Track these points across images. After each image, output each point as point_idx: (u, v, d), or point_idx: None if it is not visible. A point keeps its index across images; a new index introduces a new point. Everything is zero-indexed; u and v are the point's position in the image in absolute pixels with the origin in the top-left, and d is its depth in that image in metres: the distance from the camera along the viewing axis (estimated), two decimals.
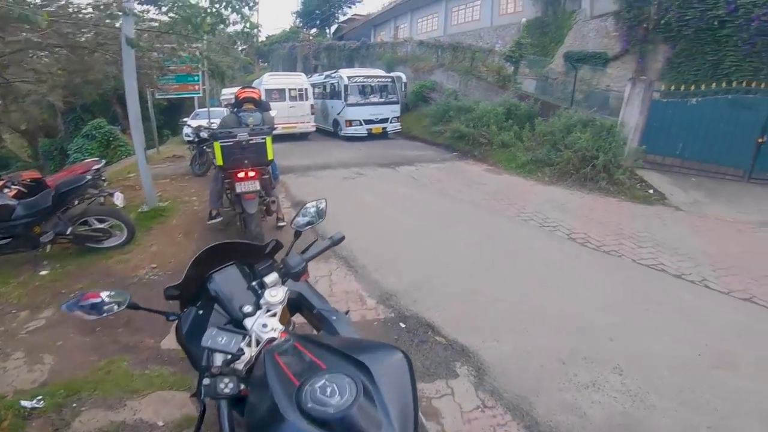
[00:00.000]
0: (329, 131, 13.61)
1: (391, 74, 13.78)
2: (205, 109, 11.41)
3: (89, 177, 4.17)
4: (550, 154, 8.07)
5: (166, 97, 10.50)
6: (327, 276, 3.88)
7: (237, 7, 4.73)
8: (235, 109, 4.73)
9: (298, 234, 1.55)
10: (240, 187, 4.08)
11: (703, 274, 4.07)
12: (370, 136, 12.53)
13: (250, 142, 4.03)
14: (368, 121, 12.42)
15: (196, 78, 9.91)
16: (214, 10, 4.61)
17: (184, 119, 12.07)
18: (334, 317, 1.43)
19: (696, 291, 3.78)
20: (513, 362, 2.73)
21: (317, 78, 14.88)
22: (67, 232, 3.98)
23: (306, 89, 12.53)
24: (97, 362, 2.71)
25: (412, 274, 3.90)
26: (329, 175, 7.90)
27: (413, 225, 5.24)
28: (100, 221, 4.29)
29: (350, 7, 35.50)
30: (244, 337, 1.08)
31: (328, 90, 13.69)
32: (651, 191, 6.94)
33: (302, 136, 12.66)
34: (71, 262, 4.14)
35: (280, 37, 36.03)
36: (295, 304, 1.51)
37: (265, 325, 1.15)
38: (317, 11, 34.50)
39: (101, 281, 3.74)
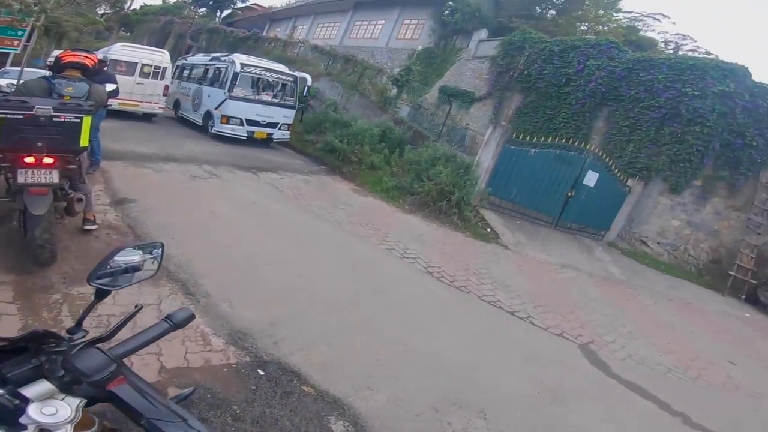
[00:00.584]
0: (195, 124, 11.17)
1: (296, 73, 11.53)
2: (18, 69, 9.28)
3: None
4: (414, 183, 8.37)
5: None
6: (155, 305, 2.96)
7: None
8: (51, 74, 3.63)
9: (101, 295, 0.95)
10: (24, 177, 2.91)
11: (528, 311, 4.72)
12: (249, 141, 10.24)
13: (55, 119, 2.92)
14: (252, 122, 10.16)
15: (19, 33, 8.06)
16: None
17: None
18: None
19: (525, 327, 4.37)
20: (389, 413, 2.60)
21: (199, 58, 12.84)
22: None
23: (164, 68, 11.22)
24: None
25: (271, 308, 3.34)
26: (174, 170, 6.60)
27: (272, 244, 4.65)
28: None
29: None
30: None
31: (209, 75, 11.30)
32: (489, 230, 7.77)
33: (145, 117, 11.09)
34: None
35: (157, 8, 31.60)
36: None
37: None
38: None
39: None
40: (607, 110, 10.78)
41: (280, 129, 10.73)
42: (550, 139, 9.07)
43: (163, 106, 11.47)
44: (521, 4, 18.67)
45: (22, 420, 0.71)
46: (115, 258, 1.01)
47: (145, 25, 30.71)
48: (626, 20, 20.46)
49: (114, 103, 9.32)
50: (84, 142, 3.14)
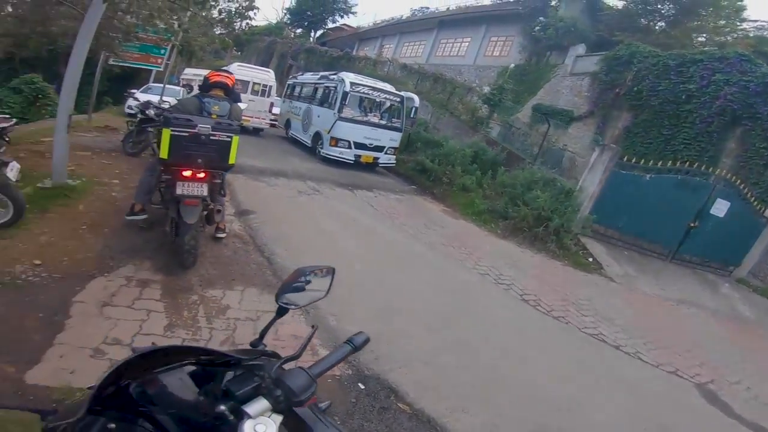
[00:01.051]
0: (304, 144, 11.01)
1: (402, 93, 10.73)
2: (160, 85, 10.77)
3: None
4: (508, 207, 8.00)
5: (121, 64, 9.43)
6: (272, 312, 3.15)
7: None
8: (199, 93, 3.92)
9: (281, 312, 1.03)
10: (181, 188, 3.25)
11: (636, 347, 4.34)
12: (355, 165, 9.68)
13: (212, 137, 3.22)
14: (360, 146, 9.56)
15: (162, 51, 9.13)
16: None
17: (132, 90, 10.94)
18: None
19: (632, 363, 4.04)
20: None
21: (308, 77, 12.40)
22: None
23: (270, 87, 12.40)
24: None
25: (372, 324, 3.36)
26: (283, 185, 7.14)
27: (372, 262, 4.73)
28: None
29: (342, 17, 35.54)
30: None
31: (318, 94, 10.93)
32: (591, 260, 7.11)
33: (255, 131, 12.17)
34: None
35: (262, 29, 35.35)
36: None
37: None
38: (309, 12, 33.97)
39: None
40: (741, 130, 9.41)
41: (386, 153, 10.08)
42: (669, 163, 8.06)
43: (269, 122, 12.43)
44: (623, 17, 17.16)
45: None
46: (294, 281, 1.07)
47: (253, 45, 33.62)
48: (753, 30, 17.77)
49: None
50: (232, 159, 3.45)
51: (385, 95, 10.26)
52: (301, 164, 9.33)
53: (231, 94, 4.06)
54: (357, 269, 4.39)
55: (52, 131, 6.14)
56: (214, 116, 3.57)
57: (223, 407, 0.80)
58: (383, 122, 10.12)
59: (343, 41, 32.00)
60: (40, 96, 11.29)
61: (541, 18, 16.92)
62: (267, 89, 12.28)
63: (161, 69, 9.93)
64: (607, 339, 4.35)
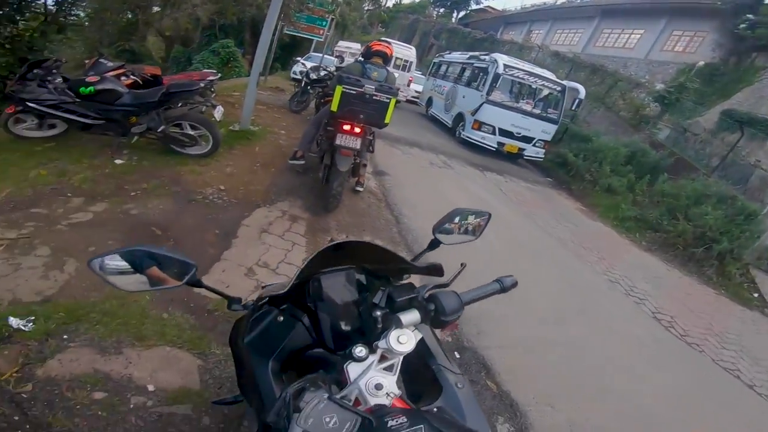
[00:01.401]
0: (443, 124, 10.74)
1: (564, 82, 9.62)
2: (318, 54, 12.12)
3: (201, 84, 4.07)
4: (663, 218, 6.90)
5: (291, 33, 10.70)
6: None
7: None
8: (362, 60, 4.35)
9: (433, 245, 1.12)
10: (340, 140, 3.66)
11: None
12: (495, 153, 9.05)
13: (374, 97, 3.56)
14: (505, 133, 8.85)
15: (324, 23, 10.11)
16: None
17: (298, 58, 12.52)
18: (460, 385, 0.94)
19: (761, 405, 3.51)
20: None
21: (456, 56, 11.99)
22: (159, 129, 3.91)
23: (411, 62, 12.86)
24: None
25: (484, 303, 3.33)
26: (417, 155, 7.39)
27: (494, 243, 4.60)
28: (193, 128, 4.18)
29: None
30: (360, 416, 0.65)
31: (466, 74, 10.44)
32: (756, 295, 5.89)
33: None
34: (148, 158, 4.05)
35: (406, 6, 35.96)
36: None
37: (379, 385, 0.76)
38: None
39: (168, 187, 3.61)
40: None
41: (534, 145, 9.12)
42: None
43: (408, 95, 13.04)
44: None
45: (380, 343, 0.82)
46: (450, 218, 1.12)
47: (396, 22, 34.62)
48: None
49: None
50: (388, 119, 3.70)
51: (543, 82, 9.22)
52: (435, 139, 9.44)
53: (388, 62, 4.40)
54: (476, 245, 4.33)
55: (241, 88, 7.45)
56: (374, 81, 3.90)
57: (378, 313, 0.90)
58: (537, 111, 9.12)
59: (486, 23, 30.81)
60: (231, 59, 13.31)
61: (749, 15, 13.63)
62: (408, 65, 12.73)
63: (321, 39, 10.87)
64: (743, 376, 3.78)
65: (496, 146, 8.95)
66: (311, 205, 4.01)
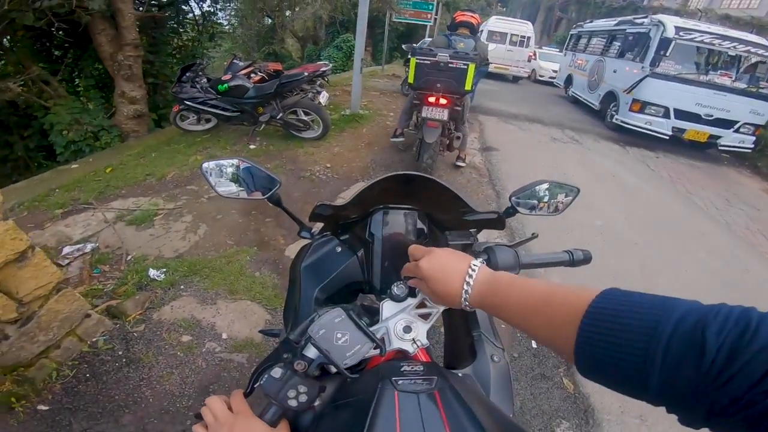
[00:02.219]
0: (589, 106, 9.01)
1: None
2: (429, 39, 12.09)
3: (306, 74, 4.44)
4: None
5: (401, 20, 10.87)
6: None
7: None
8: (448, 32, 4.30)
9: (510, 213, 1.01)
10: (426, 112, 3.65)
11: None
12: (672, 141, 6.98)
13: (450, 65, 3.44)
14: (686, 116, 6.70)
15: (430, 6, 10.03)
16: None
17: (409, 44, 12.70)
18: (496, 359, 0.88)
19: None
20: None
21: (599, 23, 10.21)
22: (278, 117, 4.46)
23: (528, 37, 12.35)
24: (229, 247, 2.76)
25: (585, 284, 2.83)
26: (537, 130, 6.71)
27: (623, 225, 3.89)
28: (306, 114, 4.63)
29: None
30: (373, 342, 0.64)
31: (616, 43, 8.55)
32: None
33: (514, 80, 13.09)
34: (274, 143, 4.66)
35: None
36: None
37: (407, 328, 0.74)
38: None
39: (285, 166, 4.10)
40: None
41: (738, 131, 6.70)
42: None
43: (528, 71, 12.77)
44: None
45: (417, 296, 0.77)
46: (532, 188, 1.00)
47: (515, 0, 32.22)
48: None
49: (491, 67, 10.79)
50: (468, 85, 3.55)
51: (745, 47, 6.65)
52: (564, 113, 8.45)
53: (475, 32, 4.26)
54: (597, 226, 3.72)
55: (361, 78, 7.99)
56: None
57: None
58: (738, 86, 6.62)
59: None
60: (353, 52, 14.34)
61: None
62: (525, 40, 12.35)
63: (431, 23, 10.73)
64: None
65: (670, 133, 6.78)
66: None
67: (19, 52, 5.17)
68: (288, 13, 12.28)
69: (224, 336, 2.05)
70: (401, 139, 4.51)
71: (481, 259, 0.65)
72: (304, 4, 7.47)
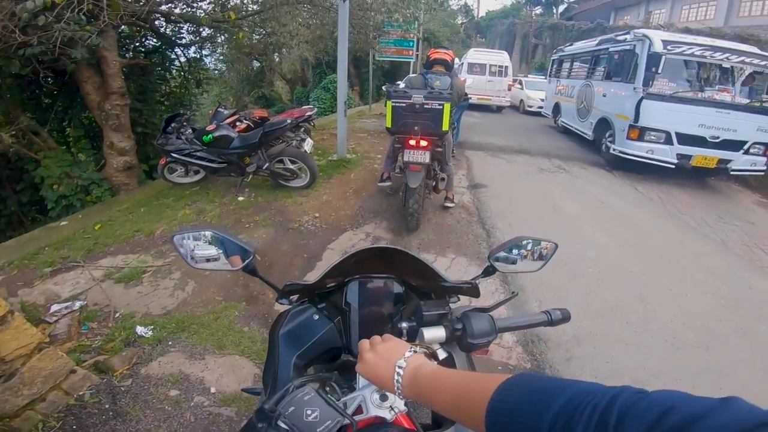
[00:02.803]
0: (581, 136, 8.42)
1: None
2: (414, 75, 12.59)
3: (288, 121, 4.52)
4: None
5: (385, 59, 11.27)
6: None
7: None
8: (423, 70, 4.36)
9: (488, 273, 1.06)
10: (408, 156, 3.66)
11: None
12: (674, 171, 6.37)
13: (425, 106, 3.47)
14: (690, 140, 6.03)
15: (410, 43, 10.50)
16: None
17: (399, 82, 13.11)
18: None
19: None
20: None
21: (579, 46, 9.80)
22: (264, 167, 4.50)
23: (506, 67, 12.76)
24: (218, 303, 2.80)
25: (584, 322, 2.79)
26: (525, 162, 6.82)
27: (614, 251, 3.90)
28: (292, 162, 4.68)
29: None
30: (342, 414, 0.67)
31: (601, 64, 8.06)
32: None
33: (497, 109, 13.36)
34: (263, 194, 4.69)
35: (499, 12, 35.03)
36: None
37: (384, 396, 0.74)
38: None
39: (274, 218, 4.12)
40: None
41: (748, 153, 6.04)
42: None
43: (509, 100, 13.11)
44: None
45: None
46: (511, 246, 1.05)
47: (493, 30, 33.82)
48: None
49: (474, 98, 11.18)
50: (446, 126, 3.56)
51: (739, 58, 6.23)
52: (549, 142, 8.62)
53: (451, 69, 4.32)
54: (590, 257, 3.72)
55: (348, 119, 8.03)
56: (436, 90, 3.85)
57: (405, 324, 0.89)
58: (741, 101, 6.12)
59: (591, 13, 27.76)
60: None
61: None
62: (503, 69, 12.82)
63: (413, 60, 11.19)
64: None
65: (675, 161, 6.07)
66: (395, 226, 4.04)
67: (7, 100, 5.22)
68: (276, 55, 12.71)
69: (213, 390, 2.07)
70: (388, 184, 4.53)
71: (412, 350, 0.67)
72: (289, 46, 7.77)
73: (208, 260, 0.95)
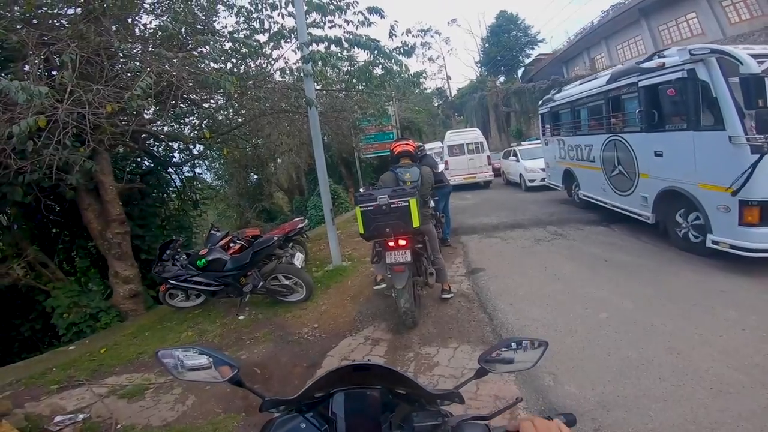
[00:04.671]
0: (631, 216, 6.13)
1: None
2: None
3: (275, 238, 4.81)
4: None
5: (371, 156, 11.97)
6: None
7: (391, 56, 5.67)
8: (392, 165, 4.40)
9: (481, 374, 1.09)
10: (389, 258, 3.64)
11: None
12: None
13: (392, 206, 3.49)
14: None
15: (390, 136, 11.47)
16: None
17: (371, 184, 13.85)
18: None
19: None
20: None
21: (577, 90, 7.76)
22: (260, 286, 4.66)
23: (481, 142, 13.62)
24: (216, 415, 2.93)
25: (603, 387, 2.66)
26: (519, 236, 6.93)
27: (623, 310, 3.74)
28: (287, 278, 4.86)
29: (532, 49, 36.32)
30: None
31: (625, 109, 6.12)
32: None
33: (485, 185, 14.04)
34: (263, 311, 4.83)
35: (468, 88, 37.80)
36: None
37: None
38: (499, 57, 35.73)
39: (274, 333, 4.22)
40: None
41: None
42: None
43: (492, 174, 13.95)
44: None
45: None
46: (501, 347, 1.10)
47: (467, 105, 35.65)
48: None
49: (460, 179, 12.69)
50: (415, 222, 3.51)
51: None
52: (540, 209, 8.79)
53: (417, 158, 4.52)
54: (602, 318, 3.64)
55: (341, 225, 8.12)
56: (408, 183, 4.01)
57: None
58: None
59: (547, 70, 30.85)
60: (335, 197, 14.35)
61: None
62: (479, 145, 13.67)
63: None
64: None
65: None
66: (394, 325, 4.06)
67: (15, 232, 5.54)
68: (271, 165, 13.67)
69: None
70: (383, 286, 4.61)
71: None
72: (277, 156, 8.50)
73: (197, 370, 1.03)
